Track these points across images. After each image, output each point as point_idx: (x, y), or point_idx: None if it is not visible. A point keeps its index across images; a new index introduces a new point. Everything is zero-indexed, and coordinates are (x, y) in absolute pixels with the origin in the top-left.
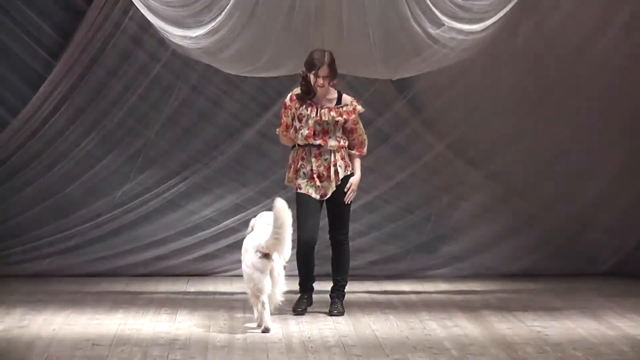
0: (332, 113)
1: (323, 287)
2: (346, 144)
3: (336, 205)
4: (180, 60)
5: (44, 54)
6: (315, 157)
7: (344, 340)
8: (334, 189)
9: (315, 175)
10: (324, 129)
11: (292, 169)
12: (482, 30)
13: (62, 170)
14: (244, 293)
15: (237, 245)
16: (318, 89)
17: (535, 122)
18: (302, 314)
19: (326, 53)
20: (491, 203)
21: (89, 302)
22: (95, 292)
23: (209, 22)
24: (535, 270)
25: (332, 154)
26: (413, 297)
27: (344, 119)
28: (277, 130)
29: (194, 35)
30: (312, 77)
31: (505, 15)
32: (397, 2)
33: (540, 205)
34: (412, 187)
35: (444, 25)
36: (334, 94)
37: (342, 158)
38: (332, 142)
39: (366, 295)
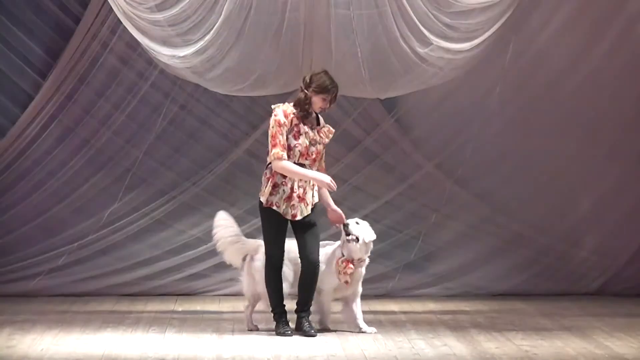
0: (321, 134)
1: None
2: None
3: (309, 227)
4: (169, 80)
5: (32, 74)
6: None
7: (332, 359)
8: (308, 212)
9: (295, 195)
10: (317, 150)
11: (269, 183)
12: (471, 49)
13: (50, 190)
14: (233, 312)
15: (225, 265)
16: (318, 110)
17: (524, 142)
18: (291, 335)
19: (332, 77)
20: (479, 222)
21: (77, 321)
22: (84, 312)
23: (197, 42)
24: (523, 289)
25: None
26: (401, 316)
27: (324, 140)
28: (275, 157)
29: (182, 54)
30: (319, 100)
31: (493, 34)
32: (386, 22)
33: (528, 225)
34: (401, 207)
35: (432, 44)
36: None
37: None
38: (318, 164)
39: None
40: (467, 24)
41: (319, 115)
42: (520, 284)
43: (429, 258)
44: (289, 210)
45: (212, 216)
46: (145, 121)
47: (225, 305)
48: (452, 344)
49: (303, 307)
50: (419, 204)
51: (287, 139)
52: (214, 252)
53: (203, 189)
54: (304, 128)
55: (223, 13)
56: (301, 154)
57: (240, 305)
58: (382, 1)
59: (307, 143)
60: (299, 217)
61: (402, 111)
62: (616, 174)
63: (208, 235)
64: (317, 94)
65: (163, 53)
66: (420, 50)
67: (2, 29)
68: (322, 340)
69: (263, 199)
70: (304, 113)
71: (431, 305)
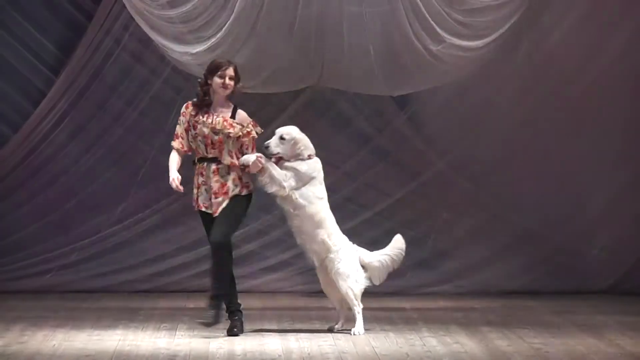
0: (226, 124)
1: (317, 303)
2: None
3: (223, 211)
4: (181, 76)
5: (45, 70)
6: (214, 172)
7: (344, 356)
8: (225, 206)
9: (212, 192)
10: (219, 139)
11: (194, 185)
12: (483, 47)
13: (62, 186)
14: (244, 309)
15: (237, 262)
16: (221, 91)
17: (536, 140)
18: (209, 326)
19: (229, 60)
20: (491, 220)
21: (89, 318)
22: (95, 308)
23: (209, 39)
24: (535, 287)
25: (229, 173)
26: (413, 313)
27: (236, 134)
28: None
29: (194, 51)
30: (216, 79)
31: (505, 32)
32: (398, 19)
33: (540, 223)
34: (412, 204)
35: (445, 42)
36: (229, 106)
37: (239, 178)
38: (226, 157)
39: (366, 311)
40: (480, 22)
41: (238, 109)
42: (531, 282)
43: (441, 256)
44: (213, 207)
45: None
46: (157, 118)
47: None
48: (463, 341)
49: (214, 297)
50: (430, 202)
51: (188, 130)
52: None
53: None
54: (202, 117)
55: (235, 10)
56: (205, 144)
57: (251, 302)
58: None
59: (207, 132)
60: (218, 213)
61: (414, 108)
62: (628, 173)
63: None
64: (212, 75)
65: (175, 50)
66: (433, 47)
67: (15, 25)
68: (334, 337)
69: (194, 203)
70: (200, 102)
71: (443, 303)
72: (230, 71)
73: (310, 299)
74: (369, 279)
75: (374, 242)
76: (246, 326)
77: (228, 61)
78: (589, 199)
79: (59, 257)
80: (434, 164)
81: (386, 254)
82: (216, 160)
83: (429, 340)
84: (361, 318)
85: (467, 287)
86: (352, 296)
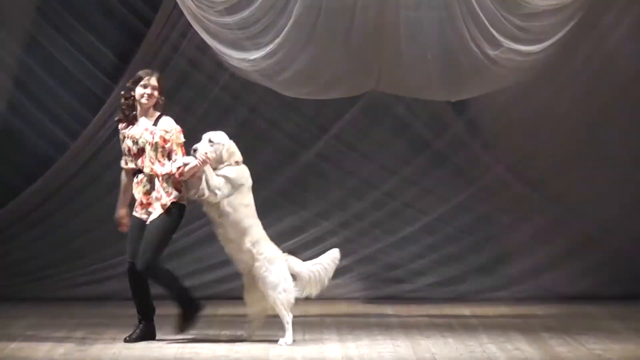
0: (146, 132)
1: (376, 310)
2: (166, 170)
3: (147, 230)
4: (239, 83)
5: (103, 77)
6: (137, 184)
7: None
8: (159, 211)
9: (138, 205)
10: (140, 148)
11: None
12: (541, 51)
13: None
14: (304, 316)
15: None
16: (143, 101)
17: (595, 144)
18: (128, 342)
19: (153, 70)
20: (550, 225)
21: None
22: (156, 315)
23: (267, 45)
24: (595, 292)
25: (152, 181)
26: (472, 320)
27: (159, 141)
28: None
29: (252, 57)
30: (139, 89)
31: (563, 36)
32: (456, 24)
33: (600, 228)
34: (471, 209)
35: (502, 46)
36: (154, 115)
37: (162, 187)
38: (147, 166)
39: (425, 318)
40: (538, 26)
41: (162, 117)
42: (591, 287)
43: (500, 261)
44: (144, 216)
45: (281, 219)
46: (215, 124)
47: (297, 309)
48: (523, 347)
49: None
50: (489, 207)
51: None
52: None
53: (273, 192)
54: (127, 130)
55: (293, 16)
56: (131, 156)
57: (310, 309)
58: (451, 3)
59: (130, 143)
60: (149, 219)
61: (472, 113)
62: None
63: (279, 238)
64: (134, 86)
65: (233, 56)
66: (491, 52)
67: (74, 33)
68: (393, 344)
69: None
70: (124, 116)
71: (502, 309)
72: (153, 81)
73: (369, 306)
74: (301, 289)
75: (432, 248)
76: (306, 332)
77: (151, 71)
78: None
79: (120, 264)
80: (492, 168)
81: (319, 264)
82: (138, 171)
83: (488, 347)
84: (290, 328)
85: (526, 292)
86: (280, 306)
